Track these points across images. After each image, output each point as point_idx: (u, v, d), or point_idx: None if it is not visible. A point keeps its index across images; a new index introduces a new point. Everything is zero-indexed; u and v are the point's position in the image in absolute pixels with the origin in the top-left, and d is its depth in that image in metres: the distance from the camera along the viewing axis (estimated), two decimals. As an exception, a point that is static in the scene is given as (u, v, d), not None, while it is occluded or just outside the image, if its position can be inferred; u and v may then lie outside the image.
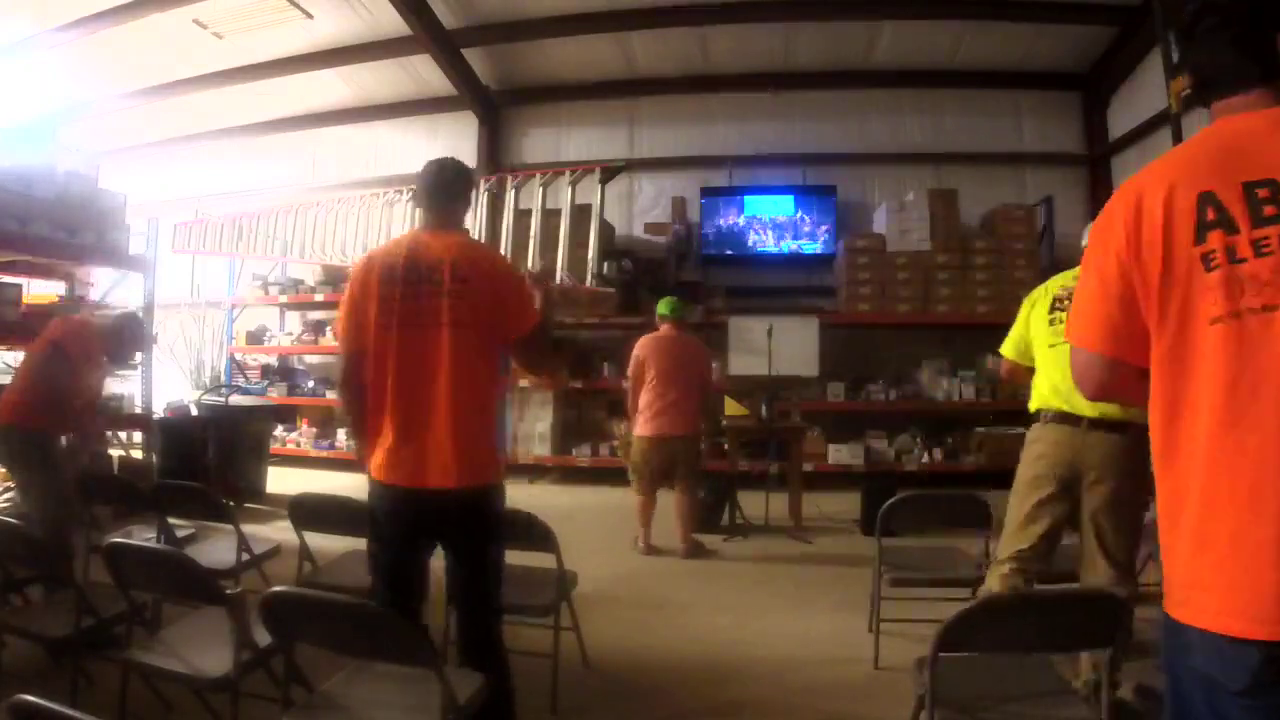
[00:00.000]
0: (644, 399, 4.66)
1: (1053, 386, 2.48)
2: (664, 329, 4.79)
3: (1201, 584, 1.01)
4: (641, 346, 4.75)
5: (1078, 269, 2.49)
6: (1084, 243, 2.64)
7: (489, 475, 2.05)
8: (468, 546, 2.06)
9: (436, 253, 2.05)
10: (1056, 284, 2.61)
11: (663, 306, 4.88)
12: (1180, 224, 1.03)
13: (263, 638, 1.87)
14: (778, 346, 5.56)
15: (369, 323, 2.05)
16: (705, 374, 4.76)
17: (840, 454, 6.64)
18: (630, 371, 4.77)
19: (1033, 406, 2.56)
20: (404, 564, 2.09)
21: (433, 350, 1.99)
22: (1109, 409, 2.33)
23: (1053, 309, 2.55)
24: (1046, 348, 2.53)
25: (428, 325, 2.00)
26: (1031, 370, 2.63)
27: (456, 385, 1.98)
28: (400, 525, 2.05)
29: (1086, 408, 2.37)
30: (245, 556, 2.94)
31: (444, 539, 2.06)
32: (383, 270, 2.07)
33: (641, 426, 4.67)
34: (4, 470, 5.58)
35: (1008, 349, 2.75)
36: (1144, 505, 2.48)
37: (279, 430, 7.57)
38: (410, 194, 6.96)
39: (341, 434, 7.69)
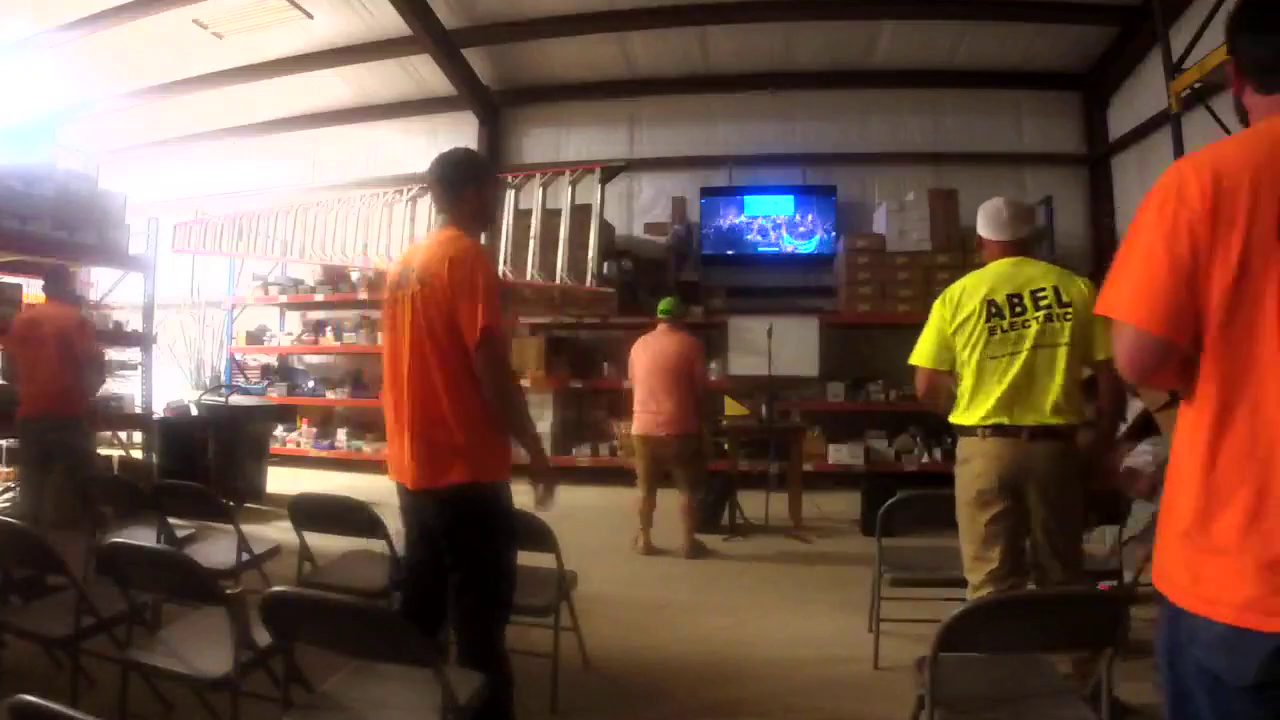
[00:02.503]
0: (635, 398, 4.75)
1: (996, 400, 2.34)
2: (659, 328, 4.82)
3: (1234, 581, 0.98)
4: (634, 348, 4.83)
5: (998, 263, 2.44)
6: (985, 232, 2.49)
7: (468, 475, 1.99)
8: (453, 546, 2.05)
9: (419, 256, 2.09)
10: (980, 287, 2.41)
11: (660, 306, 4.91)
12: (1265, 214, 1.00)
13: (263, 638, 1.87)
14: (778, 346, 5.56)
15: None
16: (695, 372, 4.72)
17: (840, 454, 6.64)
18: (629, 372, 4.85)
19: (965, 420, 2.41)
20: (423, 562, 2.13)
21: (399, 354, 2.06)
22: (1049, 417, 2.31)
23: (991, 316, 2.37)
24: (988, 359, 2.36)
25: (398, 329, 2.07)
26: (950, 383, 2.47)
27: (415, 387, 2.02)
28: (407, 521, 2.16)
29: (1028, 418, 2.32)
30: (245, 556, 2.94)
31: (439, 539, 2.07)
32: (390, 275, 2.18)
33: (633, 425, 4.77)
34: (9, 470, 5.62)
35: (925, 358, 2.51)
36: (1083, 505, 2.45)
37: (279, 430, 7.57)
38: (410, 193, 6.97)
39: (341, 434, 7.70)
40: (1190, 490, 1.06)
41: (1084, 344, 2.33)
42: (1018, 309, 2.36)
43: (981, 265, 2.54)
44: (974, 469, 2.39)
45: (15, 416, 4.09)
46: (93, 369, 4.20)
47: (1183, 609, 1.03)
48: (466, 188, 2.16)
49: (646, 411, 4.66)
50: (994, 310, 2.38)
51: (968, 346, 2.40)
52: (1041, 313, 2.34)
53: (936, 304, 2.52)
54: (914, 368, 2.56)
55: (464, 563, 2.04)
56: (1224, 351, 1.02)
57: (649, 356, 4.70)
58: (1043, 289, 2.35)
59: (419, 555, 2.15)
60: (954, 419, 2.48)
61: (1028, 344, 2.33)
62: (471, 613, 2.05)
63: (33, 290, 5.89)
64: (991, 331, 2.37)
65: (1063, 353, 2.32)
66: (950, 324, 2.44)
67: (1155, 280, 1.05)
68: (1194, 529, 1.04)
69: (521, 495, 2.15)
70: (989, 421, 2.36)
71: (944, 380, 2.49)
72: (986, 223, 2.54)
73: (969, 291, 2.44)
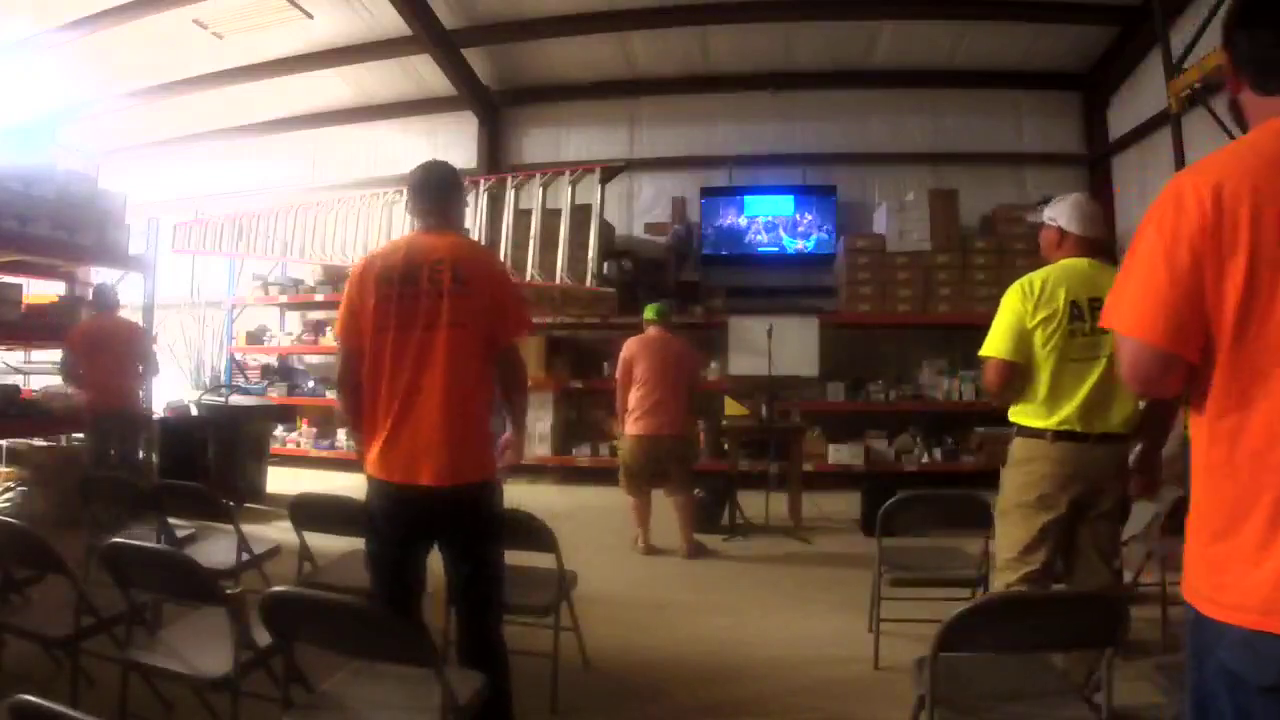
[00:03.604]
0: (633, 399, 4.69)
1: (1076, 407, 2.31)
2: (652, 331, 4.81)
3: (1253, 588, 0.99)
4: (628, 348, 4.78)
5: (1075, 261, 2.43)
6: (1071, 226, 2.46)
7: (482, 473, 2.06)
8: (465, 544, 2.06)
9: (437, 254, 2.07)
10: (1061, 285, 2.34)
11: (648, 312, 4.90)
12: (1269, 225, 0.99)
13: (263, 638, 1.87)
14: (778, 346, 5.55)
15: (366, 323, 2.08)
16: (694, 374, 4.79)
17: (840, 454, 6.64)
18: (618, 373, 4.79)
19: (1035, 422, 2.38)
20: (401, 561, 2.09)
21: (429, 350, 2.02)
22: (1117, 428, 2.31)
23: (1074, 318, 2.32)
24: (1068, 361, 2.32)
25: (425, 325, 2.02)
26: (1022, 375, 2.39)
27: (450, 385, 2.00)
28: (396, 522, 2.06)
29: (1098, 426, 2.31)
30: (245, 556, 2.94)
31: (441, 537, 2.07)
32: (380, 271, 2.09)
33: (631, 426, 4.69)
34: (9, 470, 5.62)
35: (1001, 349, 2.40)
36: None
37: (279, 430, 7.57)
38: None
39: (341, 434, 7.69)
40: (1210, 500, 1.07)
41: None
42: (1098, 315, 2.29)
43: (1049, 260, 2.48)
44: (1036, 471, 2.37)
45: (87, 415, 4.92)
46: (151, 371, 5.26)
47: (1206, 616, 1.04)
48: (457, 194, 2.33)
49: (652, 414, 4.62)
50: (1076, 312, 2.33)
51: (1047, 344, 2.34)
52: None
53: (1012, 296, 2.42)
54: (984, 359, 2.46)
55: (474, 559, 2.07)
56: (1236, 363, 1.02)
57: (654, 359, 4.67)
58: None
59: (395, 555, 2.09)
60: (1019, 418, 2.44)
61: (1105, 351, 2.28)
62: (480, 608, 2.08)
63: (34, 290, 5.90)
64: (1073, 334, 2.32)
65: None
66: (1031, 317, 2.36)
67: (1156, 294, 1.06)
68: (1215, 539, 1.05)
69: (523, 497, 2.16)
70: (1063, 427, 2.33)
71: (1017, 373, 2.40)
72: (1072, 217, 2.47)
73: (1051, 288, 2.37)
